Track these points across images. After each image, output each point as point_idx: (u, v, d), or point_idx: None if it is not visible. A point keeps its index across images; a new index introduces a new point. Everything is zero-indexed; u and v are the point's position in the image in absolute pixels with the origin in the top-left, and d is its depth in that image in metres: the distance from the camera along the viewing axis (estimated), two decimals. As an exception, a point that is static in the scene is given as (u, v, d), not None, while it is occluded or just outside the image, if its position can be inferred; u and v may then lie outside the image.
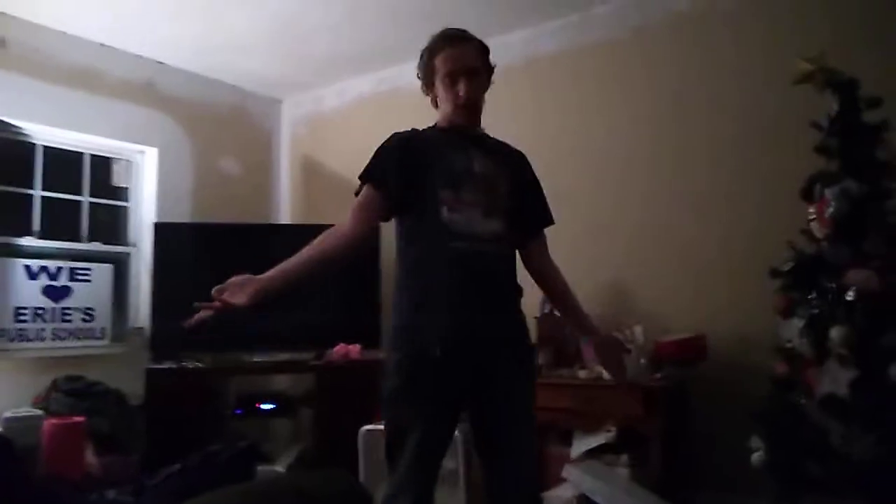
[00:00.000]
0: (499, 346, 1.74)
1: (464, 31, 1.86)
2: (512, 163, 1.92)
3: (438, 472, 1.76)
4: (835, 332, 2.24)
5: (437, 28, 1.89)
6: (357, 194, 1.83)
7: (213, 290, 1.59)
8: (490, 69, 1.88)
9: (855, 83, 2.42)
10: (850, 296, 2.25)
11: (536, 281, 1.95)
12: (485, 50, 1.87)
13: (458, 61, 1.80)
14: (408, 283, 1.79)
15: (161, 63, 4.32)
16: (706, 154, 3.28)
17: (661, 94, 3.44)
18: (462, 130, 1.85)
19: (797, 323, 2.38)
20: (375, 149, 1.86)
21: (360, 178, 1.83)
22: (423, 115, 1.89)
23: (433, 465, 1.73)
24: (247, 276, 1.63)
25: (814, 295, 2.37)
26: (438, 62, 1.82)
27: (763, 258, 2.55)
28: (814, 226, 2.43)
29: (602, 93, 3.62)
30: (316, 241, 1.73)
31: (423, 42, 1.90)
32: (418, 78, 1.90)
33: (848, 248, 2.33)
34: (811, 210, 2.45)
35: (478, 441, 1.79)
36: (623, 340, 2.08)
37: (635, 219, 3.39)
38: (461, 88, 1.79)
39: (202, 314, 1.60)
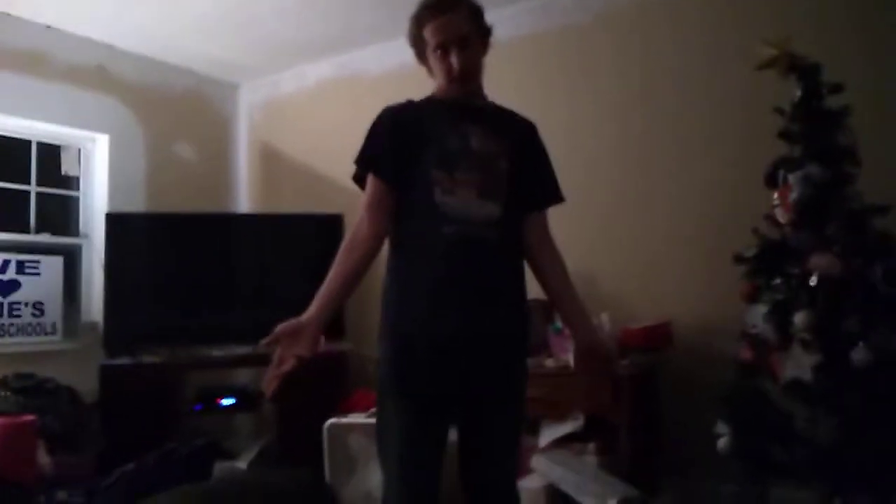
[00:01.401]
0: (492, 346, 1.64)
1: None
2: (516, 136, 1.76)
3: (435, 478, 1.63)
4: (798, 317, 2.26)
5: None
6: (355, 179, 1.74)
7: (264, 344, 1.50)
8: (484, 31, 1.74)
9: (817, 68, 2.42)
10: (812, 281, 2.27)
11: (530, 267, 1.77)
12: (476, 12, 1.72)
13: (446, 32, 1.67)
14: (397, 270, 1.69)
15: (112, 46, 4.14)
16: (673, 140, 3.27)
17: (627, 80, 3.42)
18: (460, 102, 1.73)
19: (761, 308, 2.39)
20: (369, 125, 1.73)
21: (356, 162, 1.73)
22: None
23: (425, 467, 1.62)
24: (293, 322, 1.53)
25: (778, 280, 2.38)
26: (427, 34, 1.69)
27: (730, 244, 2.55)
28: (777, 211, 2.44)
29: (566, 79, 3.59)
30: (342, 256, 1.64)
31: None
32: (411, 47, 1.77)
33: (811, 233, 2.35)
34: (775, 196, 2.46)
35: (461, 442, 1.70)
36: (613, 356, 1.82)
37: (601, 206, 3.38)
38: (453, 61, 1.67)
39: (275, 384, 1.51)
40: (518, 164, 1.72)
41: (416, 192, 1.65)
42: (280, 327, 1.52)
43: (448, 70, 1.69)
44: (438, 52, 1.69)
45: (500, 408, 1.68)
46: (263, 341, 1.51)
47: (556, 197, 1.84)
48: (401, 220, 1.69)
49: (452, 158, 1.65)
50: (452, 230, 1.61)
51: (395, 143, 1.68)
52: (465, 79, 1.70)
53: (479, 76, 1.76)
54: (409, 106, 1.76)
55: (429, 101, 1.77)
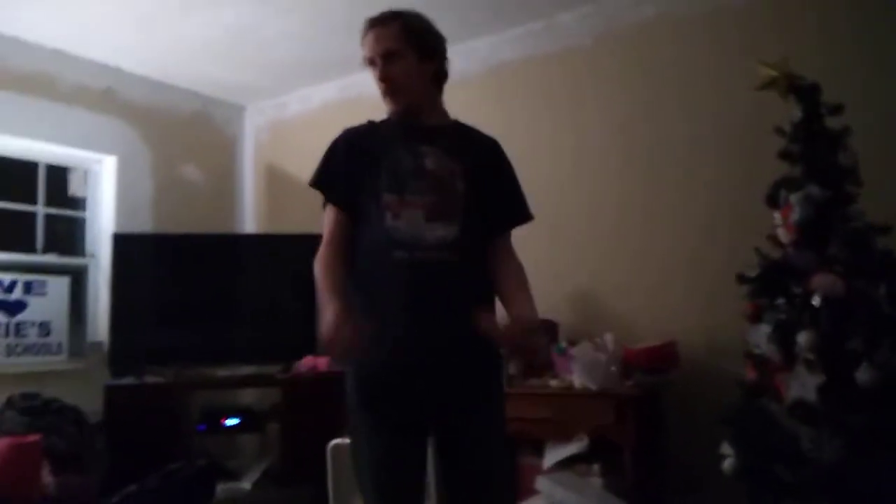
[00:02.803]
0: (453, 370, 1.58)
1: (388, 12, 1.67)
2: (475, 155, 1.70)
3: (415, 500, 1.61)
4: (802, 338, 2.25)
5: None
6: (325, 206, 1.71)
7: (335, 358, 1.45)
8: (425, 49, 1.67)
9: (816, 88, 2.44)
10: (815, 301, 2.26)
11: (492, 283, 1.69)
12: (411, 28, 1.66)
13: (371, 47, 1.65)
14: (356, 297, 1.61)
15: (120, 69, 4.20)
16: (678, 160, 3.28)
17: (630, 101, 3.44)
18: (416, 121, 1.69)
19: (765, 328, 2.38)
20: (326, 148, 1.72)
21: (312, 185, 1.71)
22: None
23: (401, 491, 1.60)
24: (335, 319, 1.43)
25: (781, 300, 2.38)
26: (362, 51, 1.68)
27: (736, 264, 2.54)
28: (780, 231, 2.45)
29: (570, 100, 3.61)
30: (327, 269, 1.59)
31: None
32: None
33: (813, 253, 2.34)
34: (777, 216, 2.47)
35: (443, 470, 1.66)
36: (536, 326, 1.68)
37: (606, 226, 3.38)
38: (377, 74, 1.65)
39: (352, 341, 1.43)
40: (478, 184, 1.67)
41: (370, 217, 1.62)
42: (326, 327, 1.43)
43: (378, 85, 1.67)
44: (369, 68, 1.68)
45: (475, 429, 1.63)
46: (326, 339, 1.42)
47: (521, 216, 1.77)
48: (356, 246, 1.65)
49: (404, 181, 1.61)
50: (404, 255, 1.57)
51: (348, 168, 1.66)
52: (393, 92, 1.66)
53: (420, 92, 1.69)
54: (367, 127, 1.74)
55: (386, 123, 1.74)
